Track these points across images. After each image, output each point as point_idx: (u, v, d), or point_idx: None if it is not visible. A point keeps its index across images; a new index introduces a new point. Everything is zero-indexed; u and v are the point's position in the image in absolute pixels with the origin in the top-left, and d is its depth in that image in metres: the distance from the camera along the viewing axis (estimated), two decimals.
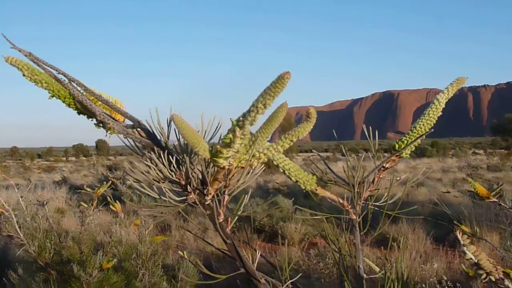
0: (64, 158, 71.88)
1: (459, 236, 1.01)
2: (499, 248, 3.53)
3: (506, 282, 1.41)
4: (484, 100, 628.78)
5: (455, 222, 3.33)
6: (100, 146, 68.64)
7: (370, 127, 0.96)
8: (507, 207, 2.78)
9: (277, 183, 14.84)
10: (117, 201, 3.69)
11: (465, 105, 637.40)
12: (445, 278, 5.11)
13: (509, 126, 46.31)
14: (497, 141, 49.55)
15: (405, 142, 0.87)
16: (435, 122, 0.90)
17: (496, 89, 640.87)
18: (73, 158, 72.48)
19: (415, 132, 0.88)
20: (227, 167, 0.70)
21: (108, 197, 3.90)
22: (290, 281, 0.93)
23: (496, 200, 2.54)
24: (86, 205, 4.24)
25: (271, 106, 0.70)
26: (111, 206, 3.64)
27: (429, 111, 0.88)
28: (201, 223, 8.79)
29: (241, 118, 0.67)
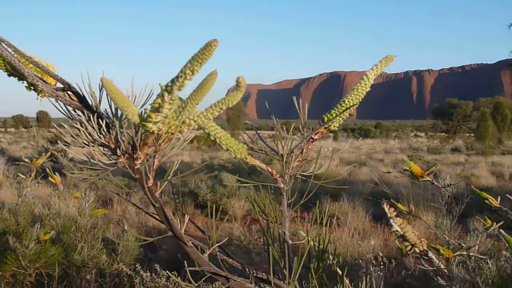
0: (3, 129, 69.56)
1: (386, 210, 1.06)
2: (432, 226, 3.67)
3: (430, 254, 1.49)
4: (427, 84, 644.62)
5: (391, 200, 3.45)
6: (41, 117, 66.64)
7: (306, 103, 0.98)
8: (440, 185, 2.90)
9: (222, 159, 14.88)
10: (56, 173, 3.61)
11: (409, 88, 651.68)
12: (381, 255, 5.29)
13: (450, 110, 47.76)
14: (438, 124, 51.02)
15: (334, 114, 0.90)
16: (363, 96, 0.93)
17: (439, 74, 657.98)
18: (12, 129, 70.23)
19: (343, 106, 0.91)
20: (156, 131, 0.71)
21: (47, 169, 3.82)
22: (217, 244, 0.95)
23: (430, 179, 2.64)
24: (24, 177, 4.14)
25: (203, 76, 0.71)
26: (50, 179, 3.56)
27: (358, 86, 0.91)
28: (144, 197, 8.74)
29: (169, 84, 0.68)
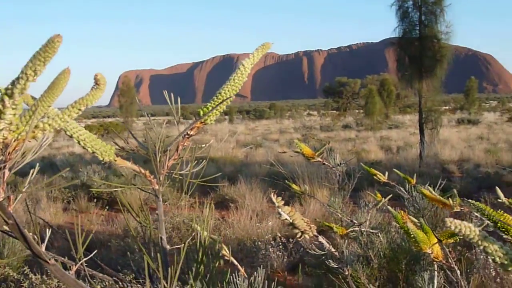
0: None
1: (274, 199, 1.03)
2: (326, 204, 3.75)
3: (320, 238, 1.49)
4: (317, 64, 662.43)
5: (286, 181, 3.49)
6: None
7: (171, 93, 0.93)
8: (331, 165, 2.96)
9: (118, 148, 14.46)
10: None
11: (301, 69, 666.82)
12: (279, 235, 5.37)
13: (339, 88, 49.36)
14: (329, 103, 52.52)
15: (209, 107, 0.85)
16: (240, 87, 0.89)
17: (328, 54, 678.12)
18: None
19: (220, 98, 0.86)
20: (0, 140, 0.63)
21: None
22: (85, 259, 0.88)
23: (320, 159, 2.68)
24: None
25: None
26: None
27: (235, 76, 0.87)
28: (33, 194, 8.32)
29: (10, 86, 0.60)
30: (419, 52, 12.38)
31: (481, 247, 0.46)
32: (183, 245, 0.95)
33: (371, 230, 2.60)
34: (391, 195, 2.89)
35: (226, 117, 53.19)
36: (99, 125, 30.20)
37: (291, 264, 5.02)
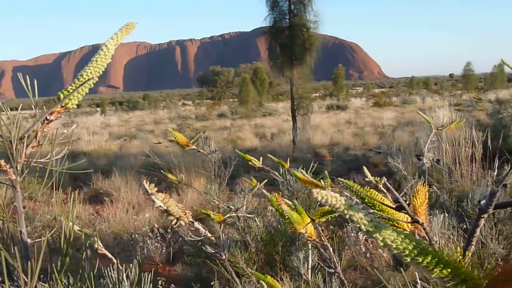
0: None
1: (146, 186, 0.99)
2: (203, 192, 3.75)
3: (196, 224, 1.47)
4: (190, 53, 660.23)
5: (162, 171, 3.43)
6: None
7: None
8: (206, 153, 2.95)
9: None
10: None
11: (174, 58, 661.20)
12: (157, 226, 5.30)
13: (214, 77, 49.66)
14: (204, 92, 52.70)
15: (70, 90, 0.79)
16: (104, 68, 0.84)
17: (201, 43, 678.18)
18: None
19: (81, 80, 0.81)
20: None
21: None
22: None
23: (195, 147, 2.66)
24: None
25: None
26: None
27: (97, 57, 0.82)
28: None
29: None
30: (289, 41, 12.73)
31: (347, 216, 0.46)
32: (43, 238, 0.89)
33: (247, 215, 2.63)
34: (266, 180, 2.94)
35: (98, 109, 51.57)
36: None
37: (170, 255, 4.97)
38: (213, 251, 1.41)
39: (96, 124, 28.46)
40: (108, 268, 1.64)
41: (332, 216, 1.66)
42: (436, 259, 0.46)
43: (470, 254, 0.56)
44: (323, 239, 1.76)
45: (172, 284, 3.31)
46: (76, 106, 0.82)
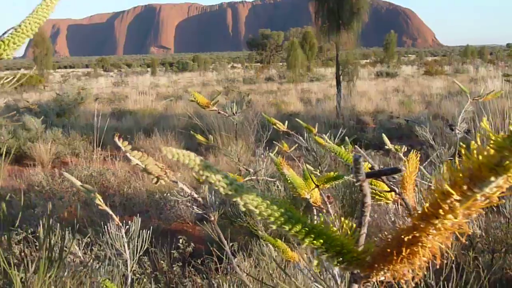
0: None
1: (119, 143, 0.98)
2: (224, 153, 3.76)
3: (180, 184, 1.48)
4: (241, 16, 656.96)
5: (192, 132, 3.46)
6: None
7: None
8: (227, 114, 2.94)
9: (28, 101, 13.87)
10: None
11: (225, 20, 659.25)
12: (188, 187, 5.37)
13: (263, 41, 49.35)
14: (253, 55, 52.48)
15: (7, 41, 0.78)
16: (45, 19, 0.82)
17: (253, 5, 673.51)
18: None
19: (19, 31, 0.79)
20: None
21: None
22: None
23: (215, 108, 2.65)
24: None
25: None
26: None
27: (39, 8, 0.79)
28: None
29: None
30: (337, 4, 12.48)
31: (204, 177, 0.44)
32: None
33: (268, 178, 2.62)
34: (296, 145, 2.91)
35: (149, 69, 52.14)
36: (12, 77, 28.79)
37: (201, 215, 5.03)
38: (200, 211, 1.41)
39: (145, 84, 28.84)
40: (109, 224, 1.67)
41: (337, 182, 1.64)
42: (307, 229, 0.44)
43: (366, 225, 0.53)
44: (327, 205, 1.74)
45: (192, 243, 3.36)
46: (11, 57, 0.81)
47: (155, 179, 1.18)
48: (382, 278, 0.44)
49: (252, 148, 6.86)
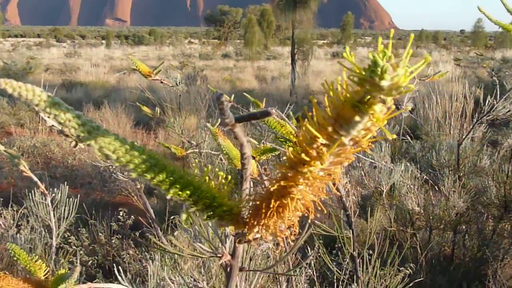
0: None
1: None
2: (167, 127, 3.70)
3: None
4: None
5: (138, 104, 3.39)
6: None
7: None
8: (169, 84, 2.88)
9: None
10: None
11: None
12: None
13: (221, 17, 48.91)
14: (211, 31, 52.01)
15: None
16: None
17: None
18: None
19: None
20: None
21: None
22: None
23: (158, 78, 2.59)
24: None
25: None
26: None
27: None
28: None
29: None
30: None
31: (51, 116, 0.38)
32: None
33: (211, 151, 2.58)
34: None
35: (103, 41, 51.04)
36: None
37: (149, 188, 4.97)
38: (126, 179, 1.36)
39: (99, 56, 28.23)
40: (33, 191, 1.60)
41: (273, 154, 1.61)
42: (172, 178, 0.40)
43: (248, 180, 0.49)
44: (263, 177, 1.70)
45: (134, 216, 3.31)
46: None
47: (74, 143, 1.11)
48: (258, 236, 0.41)
49: (203, 123, 6.81)
